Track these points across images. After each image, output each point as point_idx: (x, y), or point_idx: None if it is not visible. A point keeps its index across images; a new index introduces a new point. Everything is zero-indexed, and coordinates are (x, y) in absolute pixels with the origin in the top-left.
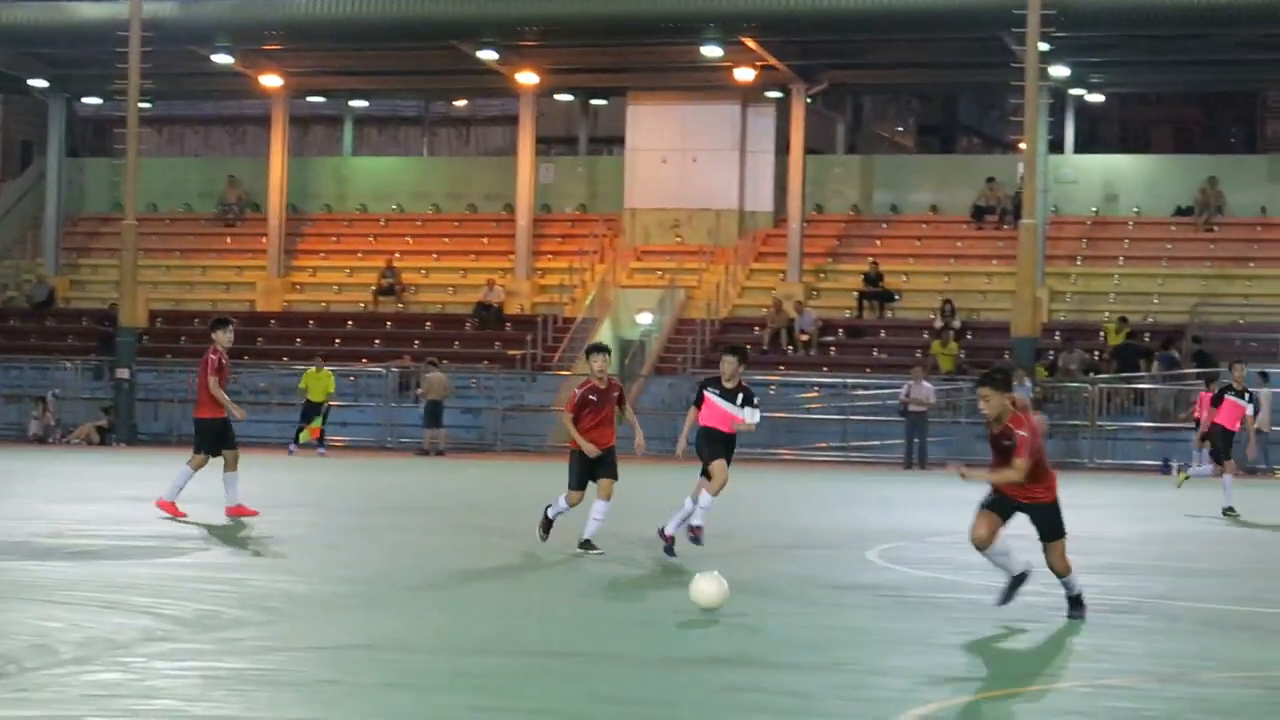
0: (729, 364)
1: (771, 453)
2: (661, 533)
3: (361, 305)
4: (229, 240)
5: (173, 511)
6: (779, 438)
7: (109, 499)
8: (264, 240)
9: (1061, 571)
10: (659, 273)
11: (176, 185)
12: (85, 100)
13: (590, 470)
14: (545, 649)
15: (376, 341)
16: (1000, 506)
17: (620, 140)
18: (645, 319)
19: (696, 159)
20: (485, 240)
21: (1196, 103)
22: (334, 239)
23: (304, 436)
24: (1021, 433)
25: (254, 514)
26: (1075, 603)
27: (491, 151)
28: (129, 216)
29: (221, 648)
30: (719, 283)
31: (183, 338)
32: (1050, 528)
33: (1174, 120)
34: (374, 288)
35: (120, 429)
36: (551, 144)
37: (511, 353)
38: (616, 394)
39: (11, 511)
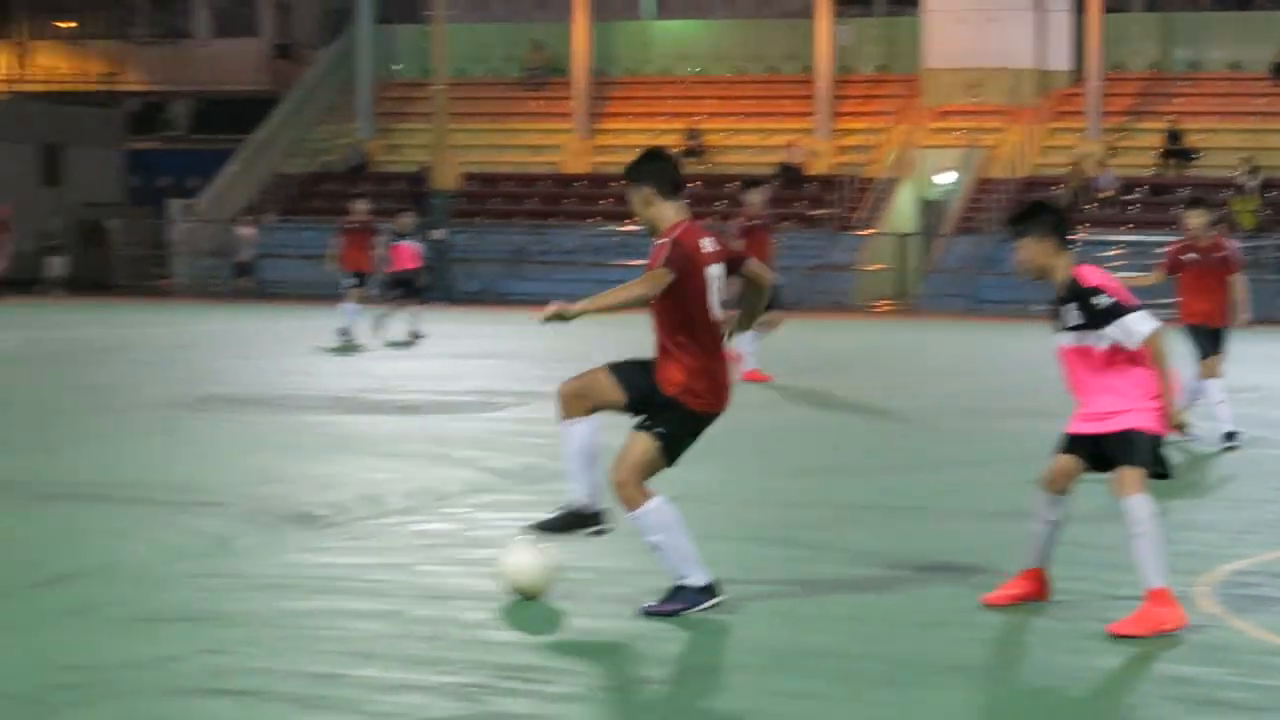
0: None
1: None
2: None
3: None
4: (536, 104)
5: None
6: None
7: (431, 356)
8: (569, 104)
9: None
10: (958, 132)
11: (483, 50)
12: None
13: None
14: (848, 502)
15: (685, 201)
16: None
17: (916, 1)
18: (946, 179)
19: (994, 18)
20: (786, 102)
21: None
22: (638, 102)
23: None
24: None
25: (767, 379)
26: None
27: (790, 14)
28: (439, 81)
29: (543, 500)
30: (1019, 142)
31: (494, 199)
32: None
33: None
34: (678, 150)
35: (438, 288)
36: (849, 5)
37: (814, 212)
38: (1220, 256)
39: (339, 368)
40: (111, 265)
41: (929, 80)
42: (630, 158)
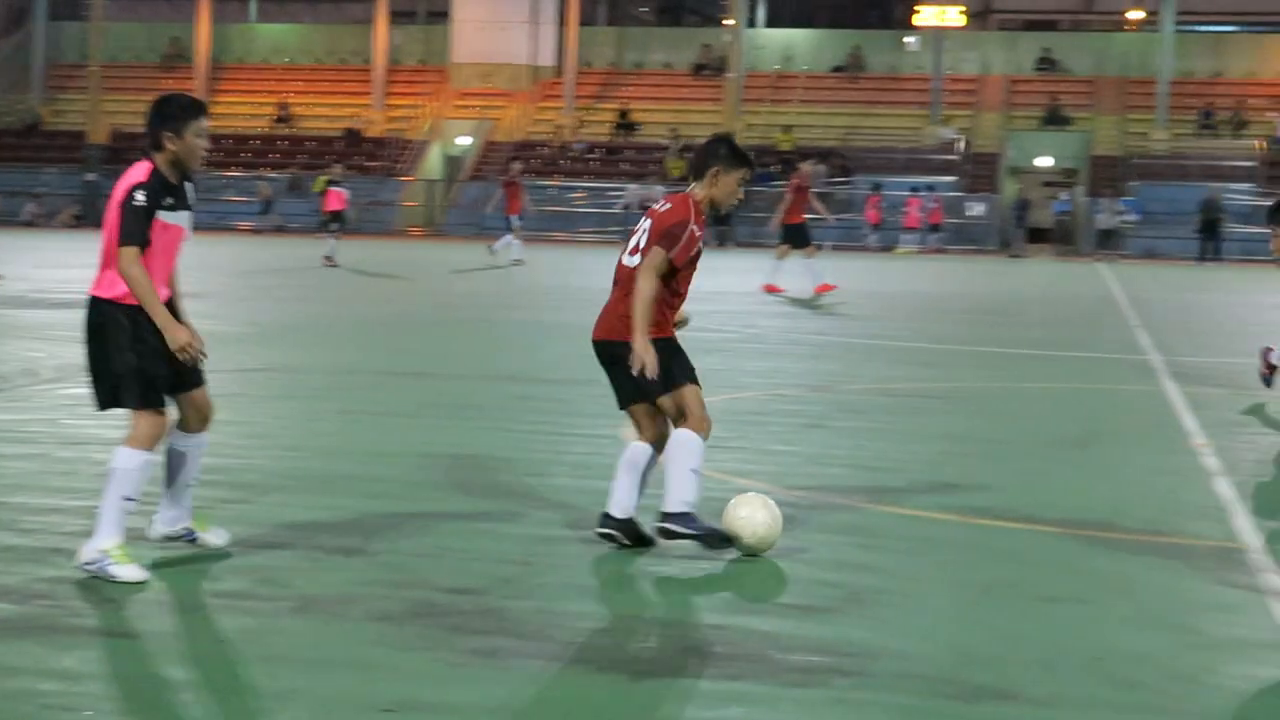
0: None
1: (548, 235)
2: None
3: (262, 130)
4: (168, 83)
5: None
6: (555, 225)
7: (82, 266)
8: (193, 84)
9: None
10: (474, 108)
11: (130, 41)
12: None
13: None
14: (395, 369)
15: (274, 155)
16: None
17: (448, 12)
18: (464, 141)
19: (502, 27)
20: (352, 84)
21: None
22: (245, 83)
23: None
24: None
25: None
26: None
27: (356, 20)
28: (94, 63)
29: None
30: (516, 116)
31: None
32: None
33: (831, 5)
34: (274, 117)
35: (90, 216)
36: (400, 15)
37: (370, 164)
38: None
39: (8, 274)
40: None
41: (455, 71)
42: (236, 123)
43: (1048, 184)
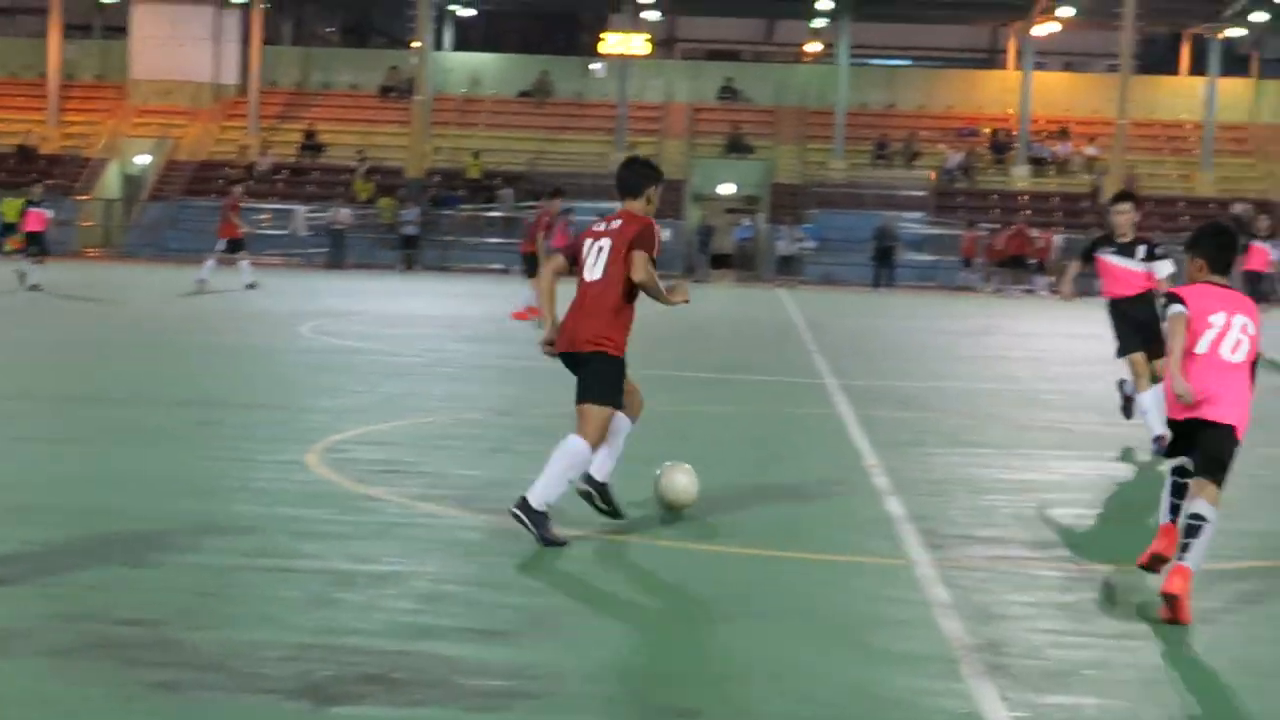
0: (1125, 215)
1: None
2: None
3: None
4: None
5: None
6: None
7: None
8: None
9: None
10: (154, 126)
11: None
12: None
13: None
14: (75, 394)
15: None
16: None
17: (125, 27)
18: (143, 160)
19: (183, 44)
20: (23, 99)
21: (535, 16)
22: None
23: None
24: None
25: None
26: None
27: (30, 34)
28: None
29: None
30: (199, 135)
31: None
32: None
33: (519, 30)
34: None
35: None
36: (75, 29)
37: (47, 181)
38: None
39: None
40: None
41: (134, 87)
42: None
43: (730, 210)
